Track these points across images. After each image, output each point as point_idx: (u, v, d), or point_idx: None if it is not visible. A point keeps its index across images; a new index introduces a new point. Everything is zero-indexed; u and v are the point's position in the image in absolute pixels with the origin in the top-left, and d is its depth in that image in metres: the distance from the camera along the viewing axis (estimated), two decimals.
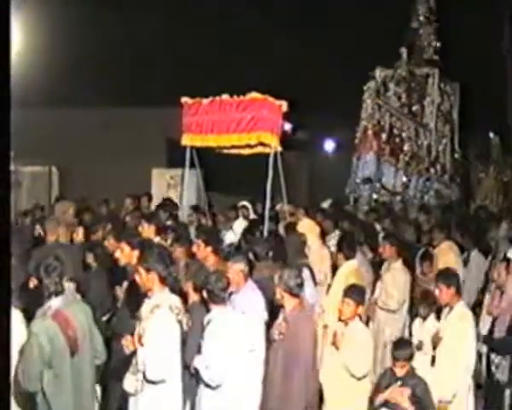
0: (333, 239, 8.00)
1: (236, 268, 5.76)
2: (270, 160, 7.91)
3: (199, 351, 5.10)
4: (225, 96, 8.14)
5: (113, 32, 15.83)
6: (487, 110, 16.36)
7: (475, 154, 17.19)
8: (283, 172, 8.07)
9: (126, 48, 16.67)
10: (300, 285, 5.47)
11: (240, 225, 8.90)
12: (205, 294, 5.33)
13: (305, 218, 8.35)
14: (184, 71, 15.73)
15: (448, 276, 5.83)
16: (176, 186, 13.96)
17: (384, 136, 14.78)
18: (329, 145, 19.75)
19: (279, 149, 8.07)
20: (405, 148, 15.00)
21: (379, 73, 15.74)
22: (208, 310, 5.31)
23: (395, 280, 7.09)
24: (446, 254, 7.73)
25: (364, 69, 15.58)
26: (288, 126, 19.12)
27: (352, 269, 6.54)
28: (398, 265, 7.14)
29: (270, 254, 6.24)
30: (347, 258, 6.57)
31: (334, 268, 7.12)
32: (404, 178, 15.08)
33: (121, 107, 16.55)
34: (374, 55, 15.82)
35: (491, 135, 17.79)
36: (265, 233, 7.68)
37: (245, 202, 10.50)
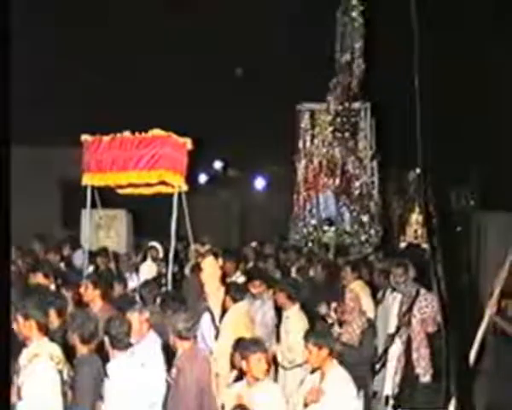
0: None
1: (139, 317, 5.82)
2: (174, 200, 8.07)
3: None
4: (127, 134, 8.30)
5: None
6: (403, 142, 16.87)
7: (394, 189, 18.05)
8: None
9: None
10: (190, 329, 5.63)
11: (148, 267, 8.96)
12: (106, 339, 5.43)
13: (207, 257, 8.49)
14: (84, 108, 15.57)
15: (319, 335, 5.50)
16: (105, 227, 13.77)
17: (338, 172, 15.27)
18: (260, 183, 20.08)
19: (184, 187, 8.24)
20: (354, 184, 15.43)
21: (308, 106, 16.30)
22: (104, 359, 5.40)
23: (294, 330, 6.61)
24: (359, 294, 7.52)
25: (291, 102, 16.14)
26: (218, 164, 20.95)
27: (240, 313, 6.45)
28: (292, 312, 6.77)
29: (158, 299, 6.30)
30: (235, 300, 6.48)
31: None
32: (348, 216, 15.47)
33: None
34: (300, 89, 16.25)
35: (418, 170, 18.33)
36: (169, 276, 7.84)
37: (154, 243, 10.58)
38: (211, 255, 9.27)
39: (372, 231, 15.22)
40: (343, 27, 16.03)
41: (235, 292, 6.49)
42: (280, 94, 16.41)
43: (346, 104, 15.61)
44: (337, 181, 15.33)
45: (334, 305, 7.61)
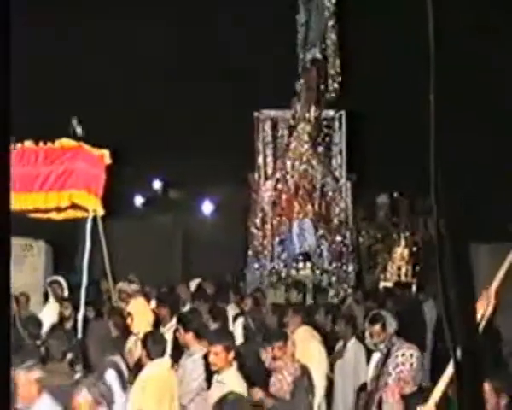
0: (168, 331, 7.75)
1: (28, 377, 5.58)
2: (88, 226, 7.94)
3: None
4: (29, 143, 8.08)
5: None
6: (375, 159, 17.14)
7: (361, 216, 17.95)
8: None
9: None
10: (104, 395, 5.41)
11: (49, 309, 8.66)
12: None
13: (135, 299, 8.44)
14: None
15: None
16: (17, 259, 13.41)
17: (317, 194, 15.02)
18: (208, 207, 20.07)
19: (100, 211, 8.08)
20: (334, 210, 15.30)
21: (269, 114, 16.14)
22: None
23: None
24: (304, 341, 7.58)
25: (247, 109, 16.04)
26: (157, 184, 20.74)
27: (155, 374, 6.04)
28: (228, 375, 6.09)
29: (69, 355, 6.03)
30: (151, 357, 6.07)
31: None
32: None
33: None
34: (258, 93, 16.33)
35: (395, 195, 18.86)
36: (79, 322, 7.60)
37: (57, 277, 10.32)
38: (140, 297, 9.44)
39: (350, 268, 15.08)
40: (307, 16, 15.88)
41: (151, 345, 6.03)
42: (233, 99, 16.74)
43: (317, 112, 15.47)
44: (316, 206, 15.06)
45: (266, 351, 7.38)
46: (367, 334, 7.71)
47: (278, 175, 15.46)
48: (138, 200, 20.11)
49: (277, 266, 15.01)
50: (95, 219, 8.15)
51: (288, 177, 15.23)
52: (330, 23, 15.79)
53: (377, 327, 7.31)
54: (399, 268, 17.38)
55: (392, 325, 7.56)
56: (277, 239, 15.14)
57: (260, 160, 16.05)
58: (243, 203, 16.58)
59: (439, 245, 1.80)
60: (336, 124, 15.95)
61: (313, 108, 15.33)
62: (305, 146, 15.20)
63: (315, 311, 10.01)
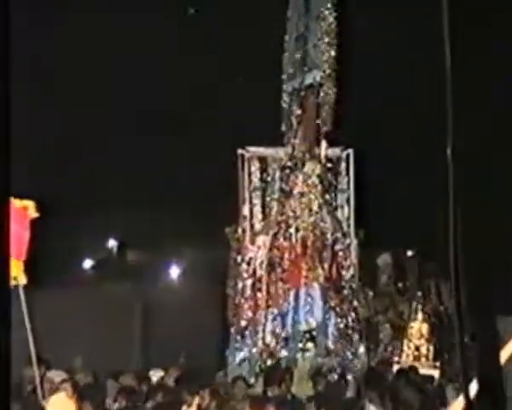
0: None
1: None
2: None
3: None
4: None
5: None
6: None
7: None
8: None
9: None
10: None
11: None
12: None
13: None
14: None
15: None
16: None
17: (328, 254, 12.31)
18: (175, 271, 18.06)
19: (22, 280, 6.91)
20: (345, 275, 12.73)
21: (257, 152, 13.61)
22: None
23: None
24: None
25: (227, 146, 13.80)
26: (112, 243, 19.34)
27: None
28: None
29: None
30: None
31: None
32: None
33: None
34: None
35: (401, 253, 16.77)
36: None
37: None
38: (65, 390, 8.55)
39: (361, 349, 12.54)
40: (297, 32, 13.49)
41: None
42: (207, 134, 15.09)
43: (327, 148, 12.99)
44: (326, 269, 12.44)
45: None
46: None
47: (275, 229, 12.62)
48: (87, 263, 18.18)
49: (272, 346, 12.40)
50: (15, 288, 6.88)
51: (292, 231, 12.48)
52: (329, 40, 13.29)
53: None
54: (418, 348, 14.49)
55: None
56: (275, 312, 12.44)
57: (246, 210, 13.35)
58: (220, 266, 14.22)
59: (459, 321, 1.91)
60: (343, 165, 13.34)
61: (323, 144, 12.84)
62: (315, 191, 12.68)
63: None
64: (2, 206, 1.71)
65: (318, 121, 13.14)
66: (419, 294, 15.62)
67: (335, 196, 13.35)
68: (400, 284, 16.24)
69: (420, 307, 14.98)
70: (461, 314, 1.91)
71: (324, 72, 13.10)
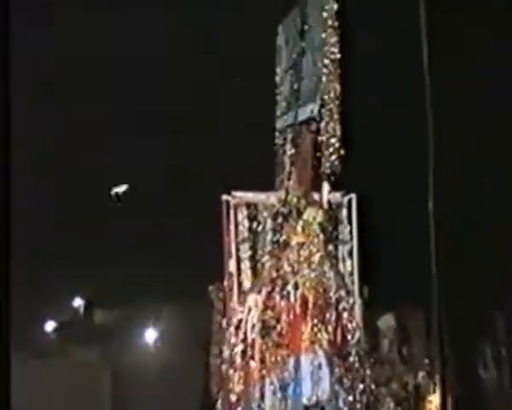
0: None
1: None
2: None
3: None
4: None
5: None
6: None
7: None
8: None
9: None
10: None
11: None
12: None
13: None
14: None
15: None
16: None
17: (331, 316, 11.00)
18: (151, 335, 16.47)
19: None
20: (350, 341, 11.29)
21: (244, 197, 12.18)
22: None
23: None
24: None
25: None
26: (78, 302, 17.57)
27: None
28: None
29: None
30: None
31: None
32: None
33: None
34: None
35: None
36: None
37: None
38: None
39: None
40: (289, 62, 12.35)
41: None
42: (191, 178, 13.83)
43: (331, 193, 11.88)
44: (331, 332, 11.09)
45: None
46: None
47: (269, 287, 11.22)
48: (49, 325, 16.66)
49: None
50: None
51: (290, 288, 11.13)
52: (328, 70, 11.98)
53: None
54: None
55: None
56: (272, 383, 11.00)
57: (232, 265, 11.95)
58: (202, 330, 13.14)
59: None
60: (344, 212, 12.14)
61: (326, 186, 11.77)
62: (316, 242, 11.48)
63: None
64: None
65: (316, 162, 11.67)
66: (426, 361, 14.42)
67: (336, 247, 11.90)
68: (405, 351, 14.88)
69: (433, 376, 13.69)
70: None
71: (323, 106, 11.68)
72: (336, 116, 11.65)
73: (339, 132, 11.68)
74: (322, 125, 11.76)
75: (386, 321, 14.86)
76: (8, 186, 9.22)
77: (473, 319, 14.09)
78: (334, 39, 11.61)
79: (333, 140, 11.67)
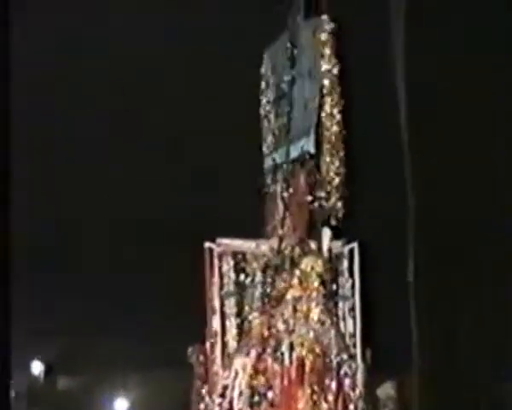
0: None
1: None
2: None
3: None
4: None
5: None
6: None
7: None
8: None
9: None
10: None
11: None
12: None
13: None
14: None
15: None
16: None
17: (332, 382, 9.46)
18: (121, 404, 15.49)
19: None
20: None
21: (229, 247, 10.64)
22: None
23: None
24: None
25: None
26: (38, 367, 16.52)
27: None
28: None
29: None
30: None
31: None
32: None
33: None
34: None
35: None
36: None
37: None
38: None
39: None
40: (278, 92, 10.98)
41: None
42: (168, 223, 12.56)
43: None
44: (331, 401, 9.61)
45: None
46: None
47: (259, 348, 9.75)
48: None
49: None
50: None
51: (284, 349, 9.70)
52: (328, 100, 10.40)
53: None
54: None
55: None
56: None
57: (216, 323, 10.42)
58: (181, 398, 10.89)
59: None
60: (345, 264, 10.77)
61: (327, 232, 10.50)
62: (315, 296, 10.16)
63: None
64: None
65: (312, 205, 10.62)
66: None
67: (336, 304, 10.84)
68: None
69: None
70: None
71: (319, 140, 10.32)
72: (336, 151, 10.73)
73: (342, 170, 10.64)
74: (320, 162, 10.90)
75: (386, 390, 13.70)
76: None
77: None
78: (330, 65, 10.70)
79: (333, 178, 10.80)
